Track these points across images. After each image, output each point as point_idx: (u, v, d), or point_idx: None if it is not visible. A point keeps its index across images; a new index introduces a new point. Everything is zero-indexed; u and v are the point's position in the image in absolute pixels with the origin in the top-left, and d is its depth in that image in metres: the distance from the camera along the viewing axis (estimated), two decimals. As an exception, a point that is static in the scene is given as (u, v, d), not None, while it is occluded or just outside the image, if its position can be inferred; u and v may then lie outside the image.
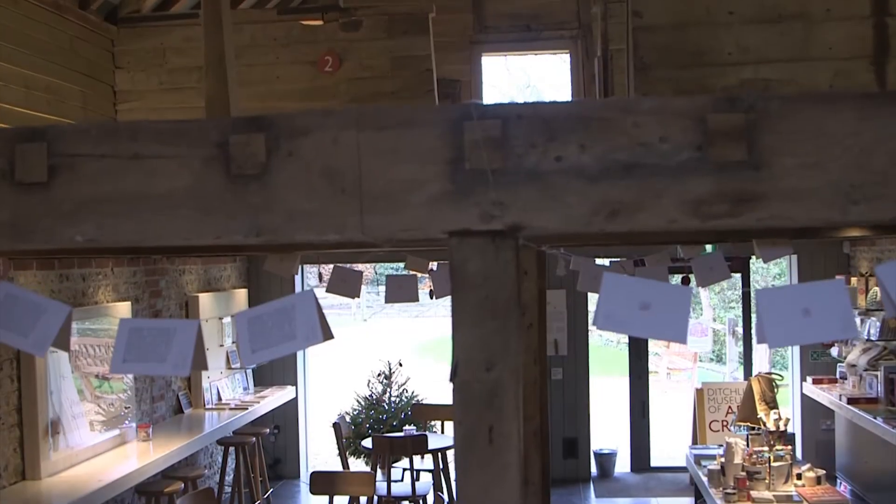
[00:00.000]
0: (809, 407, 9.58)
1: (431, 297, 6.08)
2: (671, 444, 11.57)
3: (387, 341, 23.48)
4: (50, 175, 2.11)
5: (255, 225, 2.04)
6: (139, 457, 6.94)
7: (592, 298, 9.62)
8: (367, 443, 8.17)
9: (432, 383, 12.46)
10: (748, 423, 7.29)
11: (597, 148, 1.95)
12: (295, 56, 7.83)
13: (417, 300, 6.12)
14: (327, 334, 2.09)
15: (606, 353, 20.37)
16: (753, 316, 6.70)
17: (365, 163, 2.00)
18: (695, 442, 9.00)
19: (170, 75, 8.02)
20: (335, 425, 8.11)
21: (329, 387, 16.35)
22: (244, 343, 2.08)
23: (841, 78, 4.84)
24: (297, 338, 2.06)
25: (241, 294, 10.26)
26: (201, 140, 2.05)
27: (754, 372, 9.38)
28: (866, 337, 8.43)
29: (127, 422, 7.45)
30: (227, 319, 9.52)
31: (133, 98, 8.12)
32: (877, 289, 8.03)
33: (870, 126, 1.91)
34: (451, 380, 1.97)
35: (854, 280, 8.94)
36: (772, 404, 6.94)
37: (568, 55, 10.72)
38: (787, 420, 7.11)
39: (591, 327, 10.44)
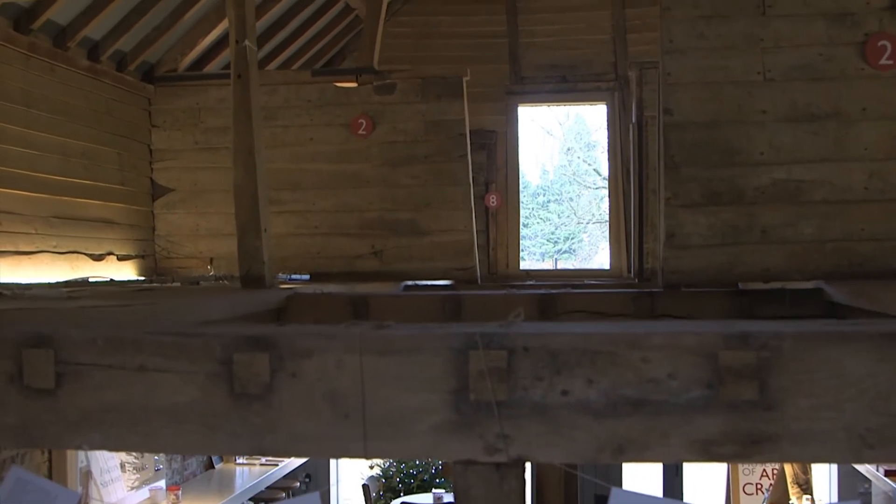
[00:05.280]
0: (847, 472, 9.42)
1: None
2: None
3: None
4: (57, 382, 2.11)
5: (258, 445, 2.03)
6: (169, 523, 6.97)
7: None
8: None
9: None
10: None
11: (604, 383, 1.92)
12: (328, 118, 7.85)
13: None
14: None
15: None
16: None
17: (368, 388, 1.98)
18: (728, 505, 8.90)
19: (204, 135, 8.09)
20: (364, 487, 8.11)
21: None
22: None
23: (876, 179, 4.77)
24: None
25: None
26: (205, 356, 2.04)
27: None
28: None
29: (157, 483, 7.48)
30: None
31: (169, 157, 8.19)
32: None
33: (887, 367, 1.86)
34: None
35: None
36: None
37: (605, 106, 10.66)
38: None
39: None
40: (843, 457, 1.88)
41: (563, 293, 4.72)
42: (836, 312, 4.35)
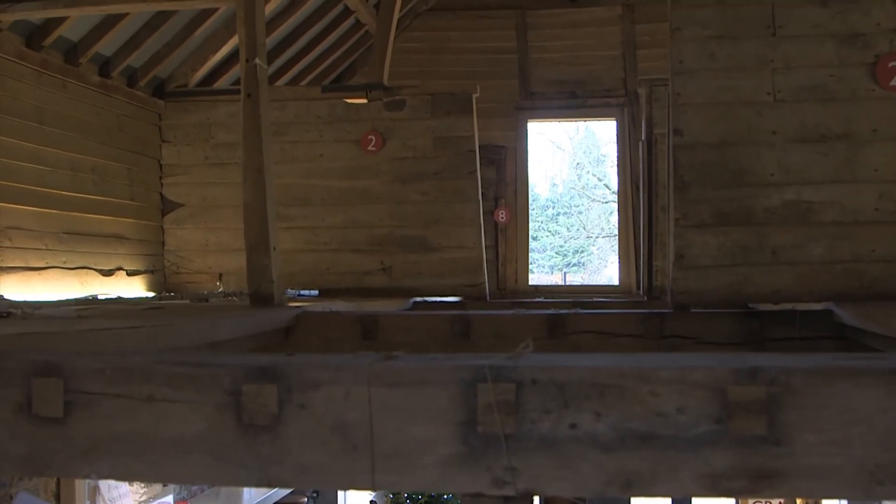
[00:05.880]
0: None
1: None
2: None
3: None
4: (66, 411, 2.11)
5: (265, 476, 2.02)
6: (177, 539, 6.97)
7: None
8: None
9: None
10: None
11: (612, 416, 1.91)
12: (338, 134, 7.87)
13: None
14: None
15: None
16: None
17: (377, 420, 1.98)
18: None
19: (214, 150, 8.12)
20: (372, 503, 8.10)
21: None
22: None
23: (886, 200, 4.75)
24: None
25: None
26: (213, 387, 2.04)
27: None
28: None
29: (165, 498, 7.48)
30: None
31: (179, 172, 8.22)
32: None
33: (897, 403, 1.85)
34: None
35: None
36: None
37: (614, 122, 10.66)
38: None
39: None
40: (853, 493, 1.87)
41: (571, 313, 4.71)
42: (846, 334, 4.35)
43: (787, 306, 4.68)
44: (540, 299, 8.53)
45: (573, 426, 1.92)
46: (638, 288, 9.08)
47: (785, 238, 4.70)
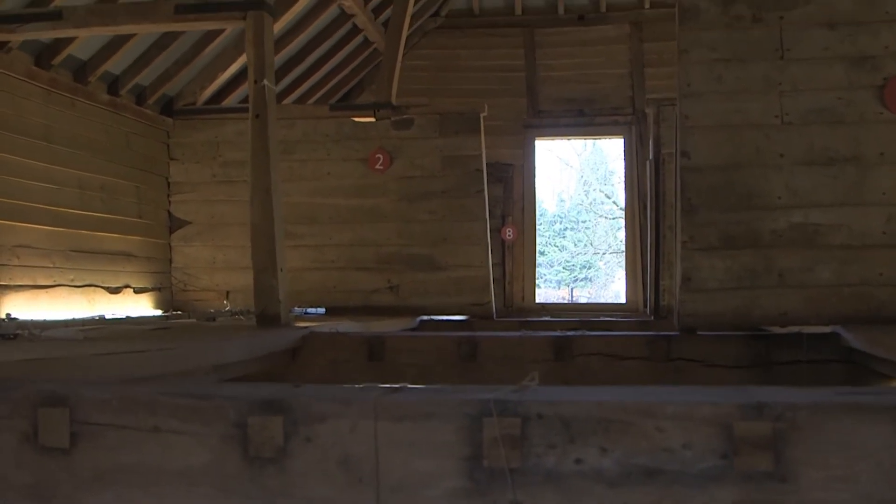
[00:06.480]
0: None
1: None
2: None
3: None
4: (72, 442, 2.12)
5: (271, 509, 2.02)
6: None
7: None
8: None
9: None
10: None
11: (618, 451, 1.91)
12: (346, 152, 7.89)
13: None
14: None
15: None
16: None
17: (382, 453, 1.97)
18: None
19: (222, 168, 8.14)
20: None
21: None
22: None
23: (894, 224, 4.74)
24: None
25: None
26: (219, 419, 2.04)
27: None
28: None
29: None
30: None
31: (186, 190, 8.24)
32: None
33: (904, 439, 1.84)
34: None
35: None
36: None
37: (622, 140, 10.67)
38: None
39: None
40: (860, 530, 1.86)
41: (578, 335, 4.71)
42: (854, 358, 4.34)
43: (795, 329, 4.67)
44: (547, 318, 8.51)
45: (578, 461, 1.92)
46: (645, 306, 9.07)
47: (792, 261, 4.69)
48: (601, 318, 7.94)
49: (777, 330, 4.76)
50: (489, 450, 1.93)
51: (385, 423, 1.98)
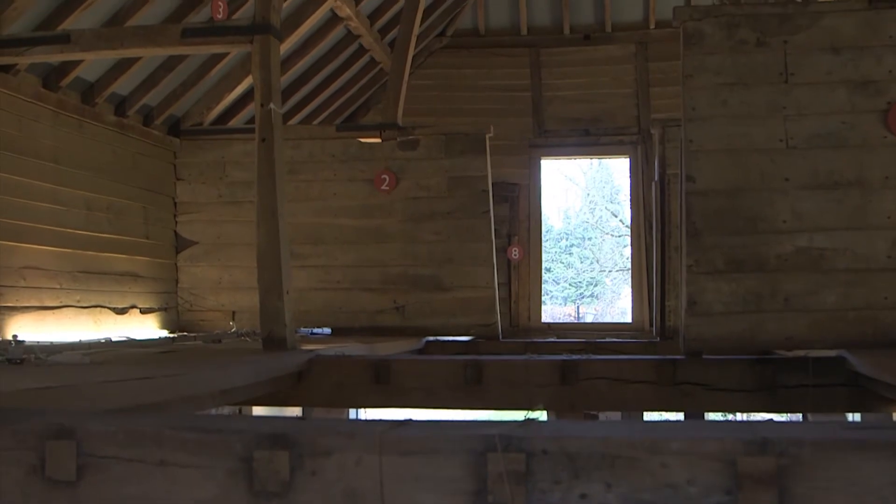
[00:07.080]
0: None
1: None
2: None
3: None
4: (79, 475, 2.12)
5: (276, 543, 2.02)
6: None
7: None
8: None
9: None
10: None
11: (622, 487, 1.91)
12: (352, 173, 7.91)
13: None
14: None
15: None
16: None
17: (388, 488, 1.98)
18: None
19: (229, 188, 8.16)
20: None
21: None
22: None
23: (899, 248, 4.74)
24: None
25: None
26: (225, 452, 2.05)
27: None
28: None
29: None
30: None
31: (193, 210, 8.26)
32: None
33: (908, 477, 1.84)
34: None
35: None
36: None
37: (627, 160, 10.68)
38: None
39: None
40: (864, 567, 1.86)
41: (584, 359, 4.71)
42: (860, 381, 4.33)
43: (800, 353, 4.67)
44: (552, 339, 8.51)
45: (583, 496, 1.92)
46: (651, 326, 9.06)
47: (797, 285, 4.69)
48: (606, 339, 7.94)
49: (783, 354, 4.76)
50: (494, 485, 1.94)
51: (390, 458, 1.99)
